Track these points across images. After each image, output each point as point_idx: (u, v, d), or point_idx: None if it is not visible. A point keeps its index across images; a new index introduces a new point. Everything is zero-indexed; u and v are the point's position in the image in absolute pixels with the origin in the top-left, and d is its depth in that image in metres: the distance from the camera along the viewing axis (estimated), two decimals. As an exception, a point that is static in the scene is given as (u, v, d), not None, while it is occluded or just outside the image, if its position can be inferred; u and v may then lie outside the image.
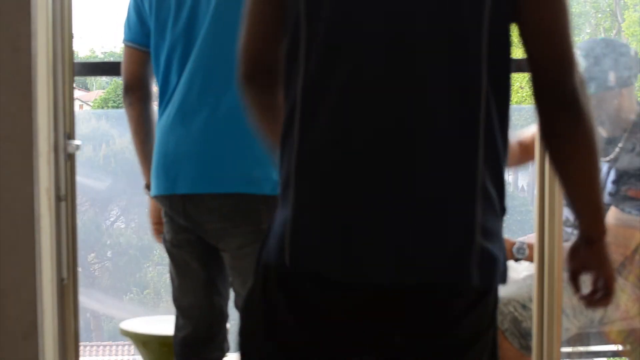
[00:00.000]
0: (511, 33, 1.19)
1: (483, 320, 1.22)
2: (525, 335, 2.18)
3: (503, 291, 2.22)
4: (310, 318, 1.21)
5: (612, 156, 2.39)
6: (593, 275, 1.33)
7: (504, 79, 1.19)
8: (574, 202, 1.29)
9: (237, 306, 1.92)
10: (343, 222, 1.16)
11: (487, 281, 1.18)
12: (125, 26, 1.98)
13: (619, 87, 2.33)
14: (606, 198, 2.36)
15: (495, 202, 1.17)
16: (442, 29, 1.15)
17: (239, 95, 1.35)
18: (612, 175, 2.37)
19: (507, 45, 1.19)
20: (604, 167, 2.41)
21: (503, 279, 1.20)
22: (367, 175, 1.16)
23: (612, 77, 2.34)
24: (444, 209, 1.15)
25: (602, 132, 2.45)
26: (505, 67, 1.19)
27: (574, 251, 1.33)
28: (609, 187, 2.37)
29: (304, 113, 1.19)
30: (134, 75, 1.98)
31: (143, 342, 2.47)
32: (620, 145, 2.38)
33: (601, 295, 1.34)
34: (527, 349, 2.20)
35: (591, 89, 2.30)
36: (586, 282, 1.33)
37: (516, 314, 2.16)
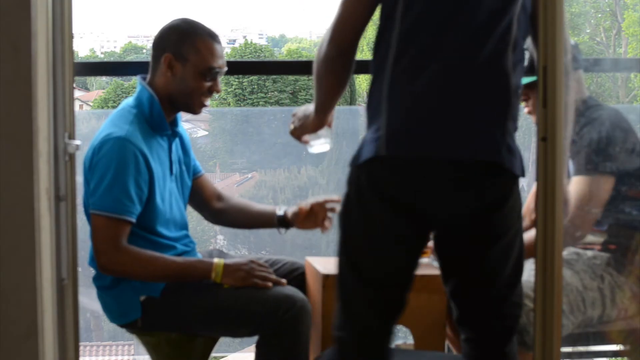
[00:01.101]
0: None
1: (516, 205, 1.86)
2: (521, 331, 2.19)
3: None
4: (403, 195, 1.81)
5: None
6: None
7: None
8: None
9: None
10: (430, 120, 1.79)
11: (511, 165, 1.81)
12: None
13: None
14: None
15: (516, 120, 1.84)
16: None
17: (324, 60, 1.92)
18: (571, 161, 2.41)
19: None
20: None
21: (522, 171, 1.83)
22: (445, 93, 1.79)
23: None
24: (492, 120, 1.80)
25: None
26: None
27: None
28: (571, 171, 2.41)
29: (397, 53, 1.80)
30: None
31: (152, 342, 2.46)
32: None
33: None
34: (524, 344, 2.20)
35: None
36: None
37: None
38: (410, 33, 1.81)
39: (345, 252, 1.91)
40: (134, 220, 2.30)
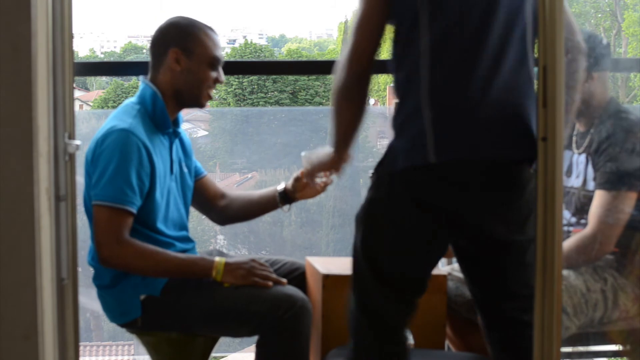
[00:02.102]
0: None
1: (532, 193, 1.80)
2: None
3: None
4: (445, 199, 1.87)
5: (586, 144, 2.40)
6: None
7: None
8: None
9: None
10: (469, 123, 1.84)
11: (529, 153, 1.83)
12: None
13: (591, 70, 2.36)
14: (591, 184, 2.37)
15: (534, 112, 1.84)
16: (512, 15, 1.87)
17: (343, 88, 1.94)
18: (590, 164, 2.38)
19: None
20: (581, 157, 2.42)
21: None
22: (481, 100, 1.84)
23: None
24: (522, 124, 1.87)
25: (578, 127, 2.46)
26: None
27: None
28: (590, 174, 2.38)
29: (432, 60, 1.85)
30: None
31: (152, 342, 2.46)
32: (591, 131, 2.40)
33: None
34: None
35: None
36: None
37: None
38: (443, 42, 1.86)
39: (368, 254, 1.95)
40: (135, 211, 2.31)
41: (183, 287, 2.36)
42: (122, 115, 2.39)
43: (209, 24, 2.48)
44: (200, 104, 2.47)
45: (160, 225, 2.40)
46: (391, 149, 1.91)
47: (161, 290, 2.35)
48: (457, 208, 1.89)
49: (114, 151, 2.30)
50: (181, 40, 2.43)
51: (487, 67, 1.86)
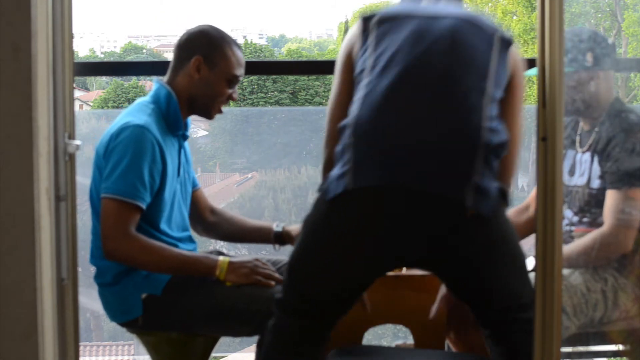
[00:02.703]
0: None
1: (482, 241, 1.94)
2: None
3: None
4: (369, 226, 1.93)
5: (590, 142, 2.40)
6: None
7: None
8: None
9: None
10: (392, 157, 1.91)
11: (475, 203, 1.89)
12: None
13: (596, 69, 2.36)
14: (595, 182, 2.37)
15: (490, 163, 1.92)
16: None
17: (326, 166, 2.08)
18: (596, 163, 2.38)
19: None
20: (585, 156, 2.42)
21: (490, 211, 1.90)
22: (403, 135, 1.92)
23: (589, 57, 2.37)
24: (452, 160, 1.91)
25: (582, 125, 2.46)
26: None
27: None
28: (595, 172, 2.38)
29: (363, 94, 1.97)
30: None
31: (152, 342, 2.46)
32: (596, 129, 2.40)
33: None
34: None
35: (570, 68, 2.36)
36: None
37: None
38: (377, 78, 1.98)
39: (294, 266, 2.06)
40: (144, 207, 2.32)
41: (184, 286, 2.36)
42: (137, 112, 2.39)
43: (237, 41, 2.50)
44: (209, 116, 2.49)
45: (164, 226, 2.41)
46: (329, 176, 1.99)
47: (163, 289, 2.35)
48: (379, 234, 1.94)
49: (128, 146, 2.30)
50: (207, 50, 2.44)
51: (418, 108, 1.95)
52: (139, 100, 2.48)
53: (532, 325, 1.80)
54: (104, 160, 2.35)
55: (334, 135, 2.05)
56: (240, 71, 2.49)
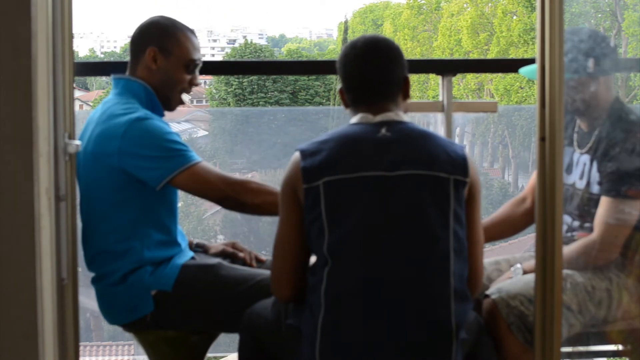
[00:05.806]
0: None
1: None
2: (531, 330, 2.18)
3: (510, 286, 2.23)
4: None
5: (590, 145, 2.40)
6: None
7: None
8: None
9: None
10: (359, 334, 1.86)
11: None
12: None
13: (598, 74, 2.36)
14: (595, 188, 2.37)
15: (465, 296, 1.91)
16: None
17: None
18: (595, 167, 2.38)
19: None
20: (583, 157, 2.42)
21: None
22: (373, 306, 1.86)
23: (591, 63, 2.36)
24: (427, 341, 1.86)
25: (582, 127, 2.45)
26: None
27: None
28: (594, 177, 2.38)
29: (333, 263, 1.89)
30: None
31: (150, 341, 2.46)
32: (596, 132, 2.39)
33: None
34: (532, 344, 2.20)
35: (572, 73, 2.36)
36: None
37: (522, 307, 2.16)
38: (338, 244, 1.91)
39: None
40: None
41: (194, 283, 2.36)
42: (125, 110, 2.35)
43: (190, 26, 2.47)
44: (169, 106, 2.46)
45: (171, 223, 2.42)
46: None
47: (172, 285, 2.35)
48: None
49: (154, 133, 2.31)
50: (160, 40, 2.43)
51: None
52: (108, 102, 2.42)
53: None
54: (128, 158, 2.30)
55: (280, 283, 2.03)
56: (196, 55, 2.46)
